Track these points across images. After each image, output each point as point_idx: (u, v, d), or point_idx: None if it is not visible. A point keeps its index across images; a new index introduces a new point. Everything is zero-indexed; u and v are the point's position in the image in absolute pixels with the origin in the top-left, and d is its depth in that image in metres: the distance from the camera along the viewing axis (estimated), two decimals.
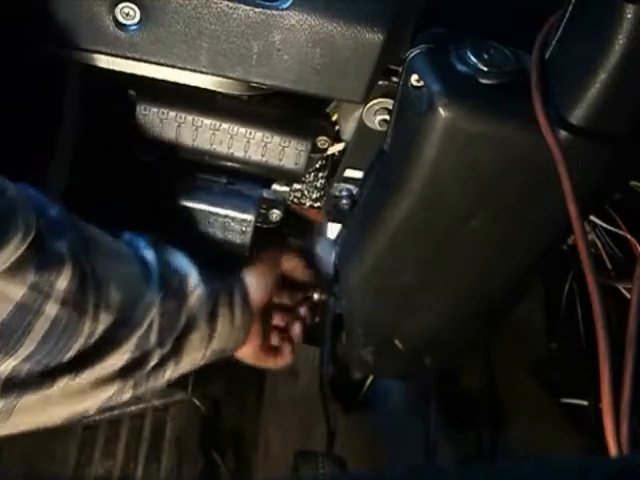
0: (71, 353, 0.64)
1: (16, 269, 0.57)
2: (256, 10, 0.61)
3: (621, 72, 0.50)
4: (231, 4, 0.60)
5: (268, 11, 0.61)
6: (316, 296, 0.95)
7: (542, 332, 1.11)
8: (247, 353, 0.87)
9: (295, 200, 0.94)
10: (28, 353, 0.60)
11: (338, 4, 0.61)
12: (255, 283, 0.84)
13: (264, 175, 0.88)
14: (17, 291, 0.58)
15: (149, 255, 0.74)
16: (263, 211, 0.90)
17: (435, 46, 0.59)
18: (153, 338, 0.71)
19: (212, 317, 0.78)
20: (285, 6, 0.61)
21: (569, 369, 1.06)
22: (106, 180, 0.90)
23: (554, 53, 0.55)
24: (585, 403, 1.04)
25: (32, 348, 0.60)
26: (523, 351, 1.13)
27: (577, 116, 0.53)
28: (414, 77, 0.59)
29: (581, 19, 0.52)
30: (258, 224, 0.90)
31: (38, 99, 0.80)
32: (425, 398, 1.10)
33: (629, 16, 0.47)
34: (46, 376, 0.63)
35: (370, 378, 1.12)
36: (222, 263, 0.86)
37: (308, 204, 0.94)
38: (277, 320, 0.91)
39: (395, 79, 0.67)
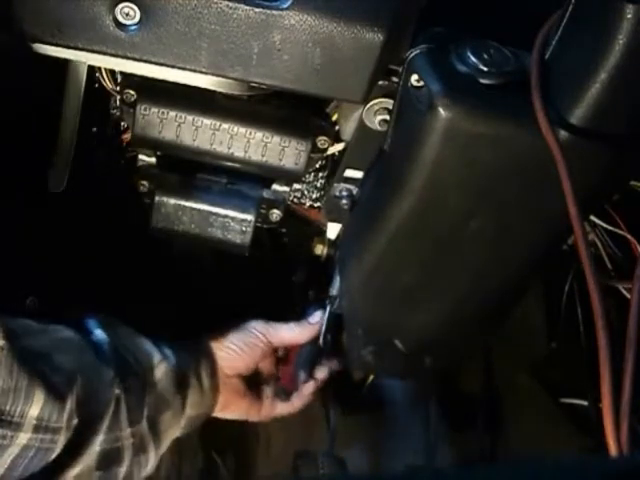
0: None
1: None
2: (256, 10, 0.61)
3: (621, 72, 0.50)
4: (231, 4, 0.60)
5: (268, 11, 0.61)
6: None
7: (542, 332, 1.11)
8: (239, 413, 0.88)
9: (295, 200, 0.94)
10: None
11: (338, 4, 0.61)
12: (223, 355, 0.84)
13: (264, 175, 0.87)
14: None
15: (99, 335, 0.73)
16: (263, 211, 0.90)
17: (435, 46, 0.59)
18: (124, 418, 0.70)
19: (181, 388, 0.78)
20: (285, 6, 0.61)
21: (569, 369, 1.06)
22: (105, 180, 0.90)
23: (554, 53, 0.55)
24: (585, 403, 1.04)
25: None
26: (523, 351, 1.13)
27: (577, 116, 0.53)
28: (414, 77, 0.59)
29: (581, 19, 0.52)
30: (258, 224, 0.90)
31: (39, 98, 0.80)
32: (425, 398, 1.10)
33: (629, 16, 0.47)
34: None
35: (370, 378, 1.12)
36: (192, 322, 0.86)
37: (308, 204, 0.94)
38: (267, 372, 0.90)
39: (395, 79, 0.67)
